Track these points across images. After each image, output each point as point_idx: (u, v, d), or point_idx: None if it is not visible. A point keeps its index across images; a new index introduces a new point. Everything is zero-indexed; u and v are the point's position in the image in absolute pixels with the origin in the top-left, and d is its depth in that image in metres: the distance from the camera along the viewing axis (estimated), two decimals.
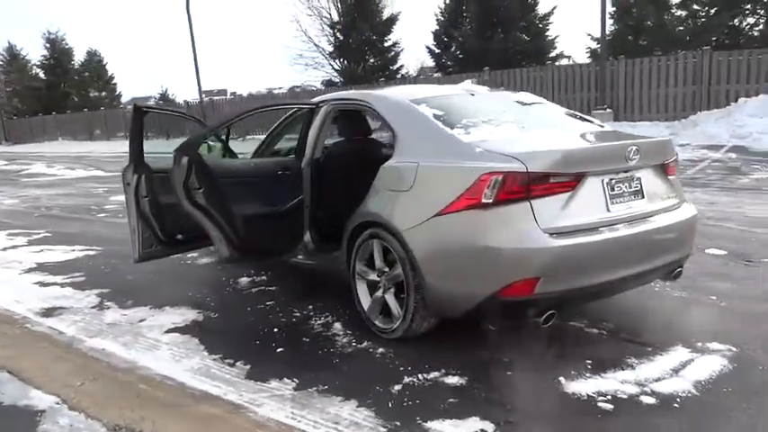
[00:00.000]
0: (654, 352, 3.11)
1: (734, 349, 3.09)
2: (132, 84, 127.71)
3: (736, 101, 13.87)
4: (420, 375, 2.99)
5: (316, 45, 25.32)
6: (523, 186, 2.82)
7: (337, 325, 3.73)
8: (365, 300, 3.61)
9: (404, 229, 3.17)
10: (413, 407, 2.71)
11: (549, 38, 19.80)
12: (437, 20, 22.52)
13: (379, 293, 3.50)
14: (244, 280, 4.84)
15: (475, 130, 3.27)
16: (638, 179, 3.18)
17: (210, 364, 3.29)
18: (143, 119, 4.15)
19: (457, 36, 20.98)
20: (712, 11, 17.37)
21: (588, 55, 19.17)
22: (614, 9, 16.97)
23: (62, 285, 5.05)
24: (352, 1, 23.22)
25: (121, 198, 10.33)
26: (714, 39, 16.21)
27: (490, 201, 2.85)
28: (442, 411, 2.64)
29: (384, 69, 23.78)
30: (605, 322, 3.50)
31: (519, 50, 18.78)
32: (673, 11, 17.23)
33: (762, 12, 17.24)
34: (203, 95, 25.66)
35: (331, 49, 24.75)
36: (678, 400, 2.66)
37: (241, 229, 3.80)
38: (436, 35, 22.52)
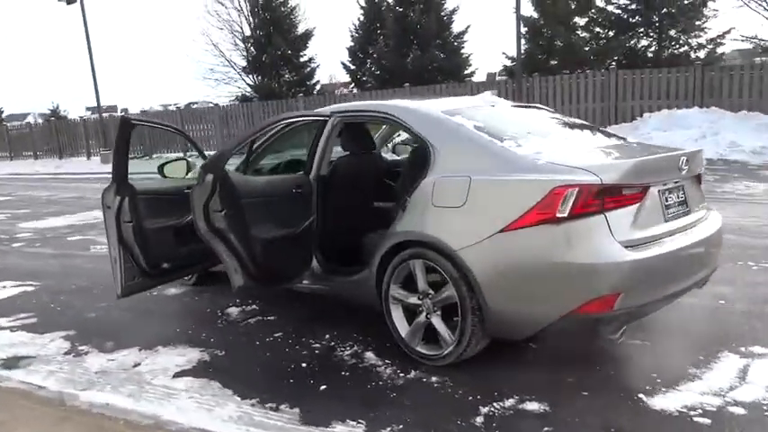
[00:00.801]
0: (707, 360, 3.11)
1: None
2: (13, 99, 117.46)
3: (641, 116, 14.91)
4: (496, 404, 2.79)
5: (227, 60, 24.50)
6: (598, 199, 2.72)
7: (369, 354, 3.45)
8: (402, 326, 3.36)
9: (459, 249, 2.96)
10: None
11: (464, 55, 20.39)
12: (352, 36, 22.53)
13: (421, 318, 3.26)
14: (233, 310, 4.40)
15: (525, 142, 3.14)
16: (684, 189, 3.19)
17: (250, 410, 2.89)
18: (130, 133, 3.67)
19: (372, 53, 21.07)
20: (611, 33, 18.67)
21: (504, 73, 19.93)
22: (526, 29, 17.77)
23: (12, 329, 4.36)
24: (265, 15, 22.67)
25: (34, 225, 9.56)
26: (615, 59, 17.36)
27: (565, 215, 2.71)
28: None
29: (300, 85, 23.35)
30: (639, 333, 3.47)
31: (436, 67, 19.17)
32: (578, 32, 18.31)
33: (653, 35, 18.75)
34: (93, 111, 24.05)
35: (244, 63, 24.01)
36: (765, 408, 2.64)
37: (259, 255, 3.42)
38: (351, 51, 22.49)
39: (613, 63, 16.04)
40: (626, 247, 2.74)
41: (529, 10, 18.11)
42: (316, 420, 2.75)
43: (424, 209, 3.19)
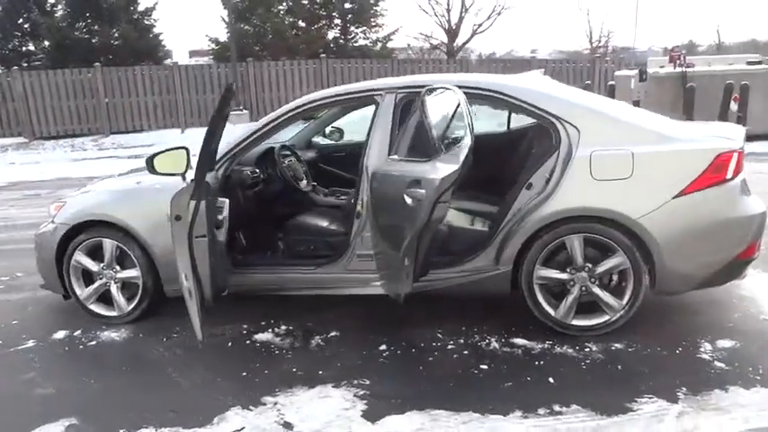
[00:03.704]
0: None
1: None
2: None
3: None
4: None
5: None
6: (742, 162, 3.25)
7: (516, 340, 3.31)
8: (550, 304, 3.33)
9: (639, 217, 3.13)
10: None
11: (154, 34, 18.43)
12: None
13: (575, 292, 3.29)
14: (267, 336, 3.53)
15: (642, 118, 3.47)
16: None
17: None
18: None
19: (44, 24, 17.27)
20: (302, 23, 19.56)
21: (212, 57, 18.81)
22: (228, 12, 17.16)
23: None
24: None
25: None
26: (322, 49, 18.27)
27: (730, 177, 3.17)
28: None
29: None
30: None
31: (131, 47, 16.91)
32: (284, 19, 18.58)
33: (339, 27, 20.40)
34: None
35: None
36: None
37: (422, 254, 2.92)
38: None
39: (326, 53, 16.88)
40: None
41: None
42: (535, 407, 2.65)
43: (582, 183, 3.22)
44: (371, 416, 2.65)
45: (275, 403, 2.80)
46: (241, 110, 15.79)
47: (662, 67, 14.08)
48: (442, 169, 2.69)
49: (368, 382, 2.94)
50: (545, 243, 3.27)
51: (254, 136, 3.66)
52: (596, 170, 3.20)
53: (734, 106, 10.84)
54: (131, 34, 17.22)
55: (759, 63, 13.45)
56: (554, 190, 3.24)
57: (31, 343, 3.62)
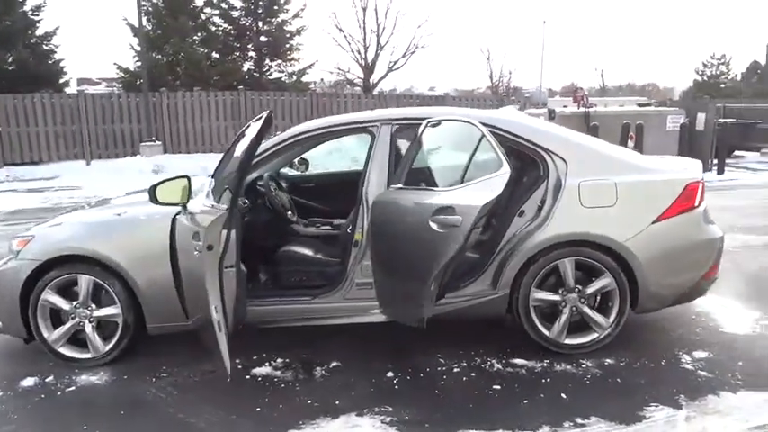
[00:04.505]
0: None
1: None
2: None
3: (276, 134, 16.12)
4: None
5: None
6: (704, 191, 3.65)
7: (516, 360, 3.46)
8: (543, 325, 3.53)
9: (625, 240, 3.42)
10: None
11: (55, 60, 17.28)
12: None
13: (566, 313, 3.51)
14: (266, 370, 3.45)
15: (617, 151, 3.81)
16: None
17: None
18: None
19: None
20: (216, 55, 19.27)
21: (121, 86, 17.87)
22: (138, 41, 16.55)
23: None
24: None
25: None
26: (236, 81, 18.02)
27: (697, 204, 3.55)
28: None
29: None
30: None
31: (29, 73, 15.74)
32: (198, 49, 18.15)
33: (254, 60, 20.30)
34: None
35: None
36: None
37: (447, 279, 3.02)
38: None
39: (241, 85, 16.69)
40: None
41: (134, 18, 16.93)
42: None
43: (573, 210, 3.46)
44: None
45: None
46: (154, 141, 15.22)
47: (565, 106, 15.28)
48: (479, 197, 2.81)
49: (390, 409, 2.96)
50: (540, 267, 3.48)
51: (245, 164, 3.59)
52: (585, 198, 3.46)
53: (630, 144, 11.90)
54: (29, 60, 16.11)
55: (649, 105, 14.96)
56: (547, 217, 3.47)
57: None
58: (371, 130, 3.68)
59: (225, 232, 2.72)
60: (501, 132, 3.61)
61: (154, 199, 3.16)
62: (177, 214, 3.35)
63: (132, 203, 3.85)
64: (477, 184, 2.92)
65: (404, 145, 3.76)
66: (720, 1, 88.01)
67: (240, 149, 3.27)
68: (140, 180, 12.52)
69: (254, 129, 3.05)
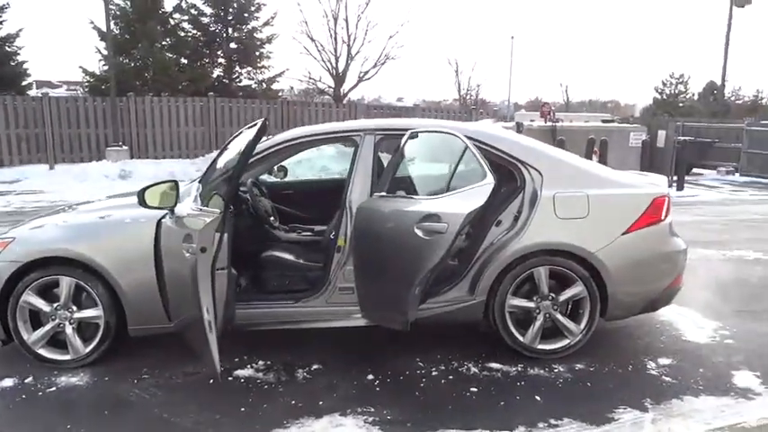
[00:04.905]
0: None
1: None
2: None
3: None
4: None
5: None
6: (670, 205, 3.87)
7: (492, 364, 3.59)
8: (518, 331, 3.66)
9: (596, 250, 3.59)
10: None
11: (18, 62, 16.86)
12: None
13: (540, 320, 3.66)
14: (248, 372, 3.51)
15: (588, 165, 4.00)
16: None
17: None
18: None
19: None
20: (185, 60, 19.12)
21: (88, 90, 17.50)
22: (105, 45, 16.33)
23: None
24: None
25: None
26: (206, 87, 17.91)
27: (662, 217, 3.75)
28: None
29: None
30: None
31: None
32: (168, 55, 17.97)
33: (222, 66, 20.21)
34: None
35: None
36: None
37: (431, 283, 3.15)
38: None
39: (210, 91, 16.61)
40: None
41: (101, 22, 16.69)
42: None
43: (548, 221, 3.63)
44: None
45: None
46: (120, 146, 15.01)
47: (532, 120, 15.67)
48: (464, 205, 2.94)
49: (372, 410, 3.05)
50: (516, 275, 3.62)
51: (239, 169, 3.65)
52: (559, 209, 3.63)
53: (595, 158, 12.29)
54: None
55: (612, 121, 15.48)
56: (524, 227, 3.62)
57: None
58: (355, 140, 3.79)
59: (218, 235, 2.79)
60: (481, 144, 3.77)
61: (143, 202, 3.20)
62: (162, 218, 3.40)
63: (116, 206, 3.86)
64: (462, 193, 3.05)
65: (386, 155, 3.89)
66: (679, 22, 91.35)
67: (230, 156, 3.35)
68: (106, 185, 12.45)
69: (247, 135, 3.13)
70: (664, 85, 39.24)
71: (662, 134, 13.78)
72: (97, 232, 3.60)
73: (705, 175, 15.69)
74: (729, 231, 8.03)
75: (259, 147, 3.80)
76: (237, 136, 3.41)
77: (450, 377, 3.45)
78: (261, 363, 3.60)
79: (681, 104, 37.07)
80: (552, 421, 2.95)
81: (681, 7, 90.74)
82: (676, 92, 38.95)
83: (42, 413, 3.08)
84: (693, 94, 38.49)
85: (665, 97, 38.79)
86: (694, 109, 32.23)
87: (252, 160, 3.72)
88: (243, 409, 3.06)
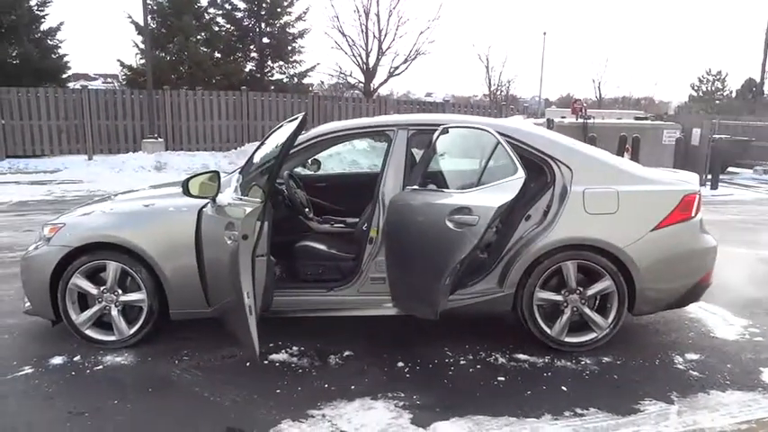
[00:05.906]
0: None
1: None
2: None
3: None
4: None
5: None
6: (701, 203, 3.88)
7: (519, 355, 3.67)
8: (546, 324, 3.73)
9: (625, 246, 3.64)
10: None
11: (59, 55, 17.42)
12: None
13: (567, 313, 3.72)
14: (282, 356, 3.65)
15: (619, 161, 4.04)
16: None
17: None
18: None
19: None
20: (231, 58, 19.48)
21: (125, 83, 18.02)
22: (142, 39, 16.74)
23: None
24: None
25: None
26: (239, 81, 18.22)
27: (693, 214, 3.78)
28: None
29: None
30: None
31: (33, 68, 15.87)
32: (202, 49, 18.34)
33: (256, 61, 20.48)
34: None
35: None
36: None
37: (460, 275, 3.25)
38: None
39: (243, 85, 16.89)
40: None
41: (139, 16, 17.11)
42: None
43: (577, 216, 3.68)
44: (421, 423, 2.89)
45: (323, 415, 2.95)
46: (156, 138, 15.38)
47: (563, 117, 15.56)
48: (495, 199, 3.03)
49: (403, 395, 3.16)
50: (544, 268, 3.69)
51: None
52: (589, 205, 3.68)
53: (626, 156, 12.17)
54: (33, 54, 16.24)
55: (646, 119, 15.28)
56: (553, 222, 3.68)
57: (28, 369, 3.47)
58: (389, 134, 3.90)
59: (258, 223, 2.92)
60: (511, 140, 3.84)
61: (187, 192, 3.36)
62: (203, 207, 3.56)
63: (159, 195, 4.04)
64: (492, 187, 3.14)
65: (419, 149, 3.99)
66: (718, 18, 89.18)
67: (268, 149, 3.48)
68: (142, 176, 12.79)
69: (287, 129, 3.26)
70: (700, 81, 38.49)
71: (696, 132, 13.57)
72: (142, 220, 3.78)
73: (741, 174, 15.40)
74: (763, 231, 7.93)
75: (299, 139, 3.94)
76: (278, 129, 3.54)
77: (479, 366, 3.54)
78: (295, 348, 3.74)
79: (717, 102, 36.29)
80: (578, 410, 3.02)
81: (719, 2, 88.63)
82: (713, 89, 38.16)
83: (91, 389, 3.27)
84: (731, 92, 37.65)
85: (701, 94, 38.04)
86: (731, 106, 31.51)
87: (290, 152, 3.86)
88: (278, 392, 3.20)
